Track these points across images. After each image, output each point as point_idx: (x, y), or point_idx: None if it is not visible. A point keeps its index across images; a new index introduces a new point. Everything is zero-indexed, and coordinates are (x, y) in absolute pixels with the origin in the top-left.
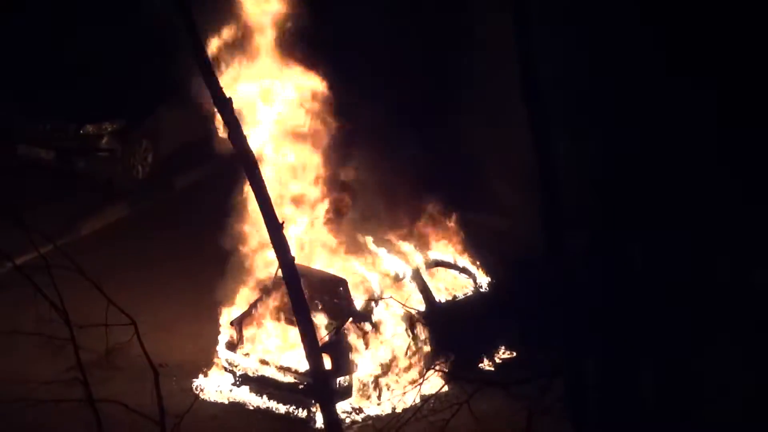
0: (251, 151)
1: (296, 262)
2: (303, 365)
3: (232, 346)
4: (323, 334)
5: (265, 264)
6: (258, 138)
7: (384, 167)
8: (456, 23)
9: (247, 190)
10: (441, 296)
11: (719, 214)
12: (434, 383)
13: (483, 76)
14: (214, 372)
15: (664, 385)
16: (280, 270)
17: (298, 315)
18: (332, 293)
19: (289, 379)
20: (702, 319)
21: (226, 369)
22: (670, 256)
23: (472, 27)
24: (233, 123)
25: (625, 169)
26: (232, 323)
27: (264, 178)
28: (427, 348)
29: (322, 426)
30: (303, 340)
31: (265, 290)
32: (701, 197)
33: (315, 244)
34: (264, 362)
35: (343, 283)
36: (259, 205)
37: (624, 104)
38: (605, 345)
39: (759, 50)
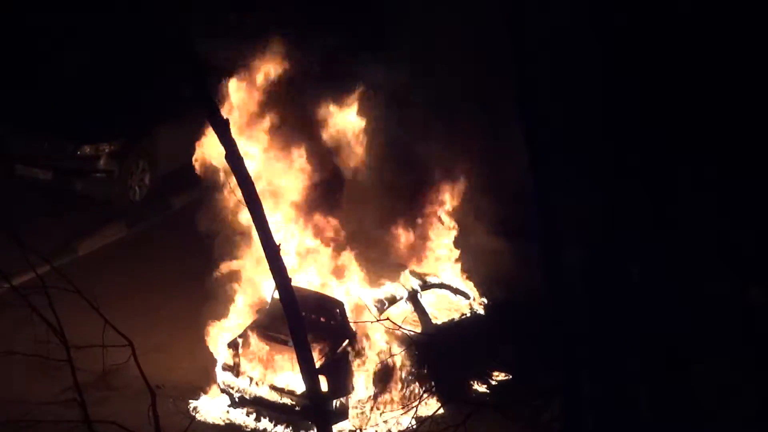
0: (248, 173)
1: (293, 284)
2: (299, 387)
3: (228, 367)
4: (319, 356)
5: (262, 285)
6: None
7: (382, 187)
8: None
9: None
10: (437, 318)
11: (716, 234)
12: (430, 405)
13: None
14: (211, 393)
15: (662, 402)
16: (276, 292)
17: (295, 336)
18: (329, 315)
19: (285, 400)
20: (699, 336)
21: (222, 390)
22: (667, 274)
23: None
24: (230, 145)
25: (624, 187)
26: (229, 345)
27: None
28: (423, 370)
29: None
30: (300, 362)
31: (262, 312)
32: (698, 217)
33: (312, 266)
34: (261, 384)
35: (339, 305)
36: (256, 226)
37: (621, 123)
38: (602, 363)
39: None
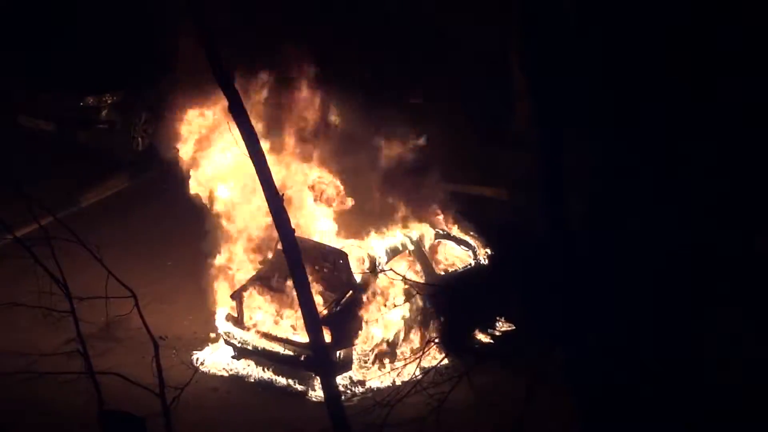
0: (251, 124)
1: (296, 234)
2: (303, 338)
3: (232, 318)
4: (323, 307)
5: (264, 236)
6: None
7: (379, 142)
8: None
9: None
10: (441, 269)
11: (720, 181)
12: (434, 356)
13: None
14: (214, 344)
15: (664, 356)
16: (280, 242)
17: (299, 288)
18: (332, 266)
19: (289, 351)
20: (703, 289)
21: (226, 342)
22: (670, 225)
23: None
24: (234, 96)
25: (625, 136)
26: (232, 296)
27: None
28: (426, 321)
29: (322, 398)
30: (303, 313)
31: (266, 263)
32: (701, 164)
33: (316, 218)
34: (264, 335)
35: (343, 255)
36: (259, 177)
37: (622, 72)
38: (605, 315)
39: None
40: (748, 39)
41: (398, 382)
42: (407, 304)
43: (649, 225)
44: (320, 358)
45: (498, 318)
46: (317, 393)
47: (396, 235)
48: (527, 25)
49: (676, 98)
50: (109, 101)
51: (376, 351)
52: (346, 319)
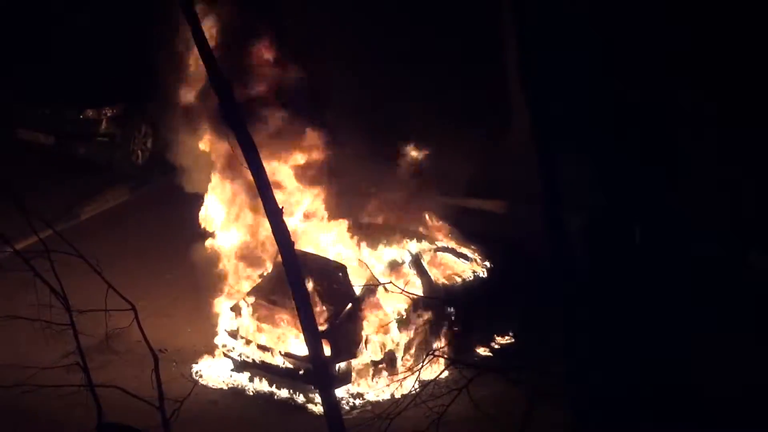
0: (250, 135)
1: (296, 248)
2: (302, 351)
3: (231, 331)
4: (322, 320)
5: (264, 249)
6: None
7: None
8: None
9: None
10: (440, 282)
11: (716, 196)
12: (433, 369)
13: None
14: (213, 357)
15: (664, 365)
16: (279, 255)
17: (298, 300)
18: (332, 279)
19: (288, 364)
20: (700, 297)
21: (225, 354)
22: (668, 236)
23: None
24: (232, 107)
25: (626, 149)
26: (231, 309)
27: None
28: (426, 334)
29: (321, 411)
30: (302, 326)
31: (265, 276)
32: (700, 180)
33: (315, 231)
34: (263, 348)
35: (342, 269)
36: (258, 189)
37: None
38: (605, 327)
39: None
40: (749, 39)
41: (398, 395)
42: (406, 317)
43: (649, 231)
44: (319, 371)
45: (498, 331)
46: (317, 406)
47: (395, 249)
48: (524, 31)
49: (676, 99)
50: (108, 114)
51: (375, 364)
52: (345, 332)
